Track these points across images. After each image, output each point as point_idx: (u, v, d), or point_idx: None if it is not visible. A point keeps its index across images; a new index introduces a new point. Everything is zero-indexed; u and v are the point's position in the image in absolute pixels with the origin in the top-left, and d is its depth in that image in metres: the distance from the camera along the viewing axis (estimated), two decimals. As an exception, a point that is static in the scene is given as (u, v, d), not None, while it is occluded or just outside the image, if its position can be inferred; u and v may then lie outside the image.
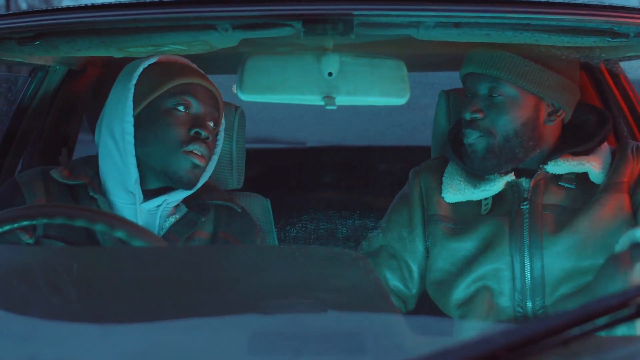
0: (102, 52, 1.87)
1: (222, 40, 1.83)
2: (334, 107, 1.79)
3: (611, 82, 2.60)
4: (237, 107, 2.32)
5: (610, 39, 1.81)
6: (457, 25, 1.69)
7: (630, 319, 1.00)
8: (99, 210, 1.95)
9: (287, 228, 3.25)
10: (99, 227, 1.45)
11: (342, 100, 1.82)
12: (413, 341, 1.07)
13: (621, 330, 1.67)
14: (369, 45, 1.91)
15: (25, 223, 1.45)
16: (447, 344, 0.90)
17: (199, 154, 2.02)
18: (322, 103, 1.79)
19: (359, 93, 1.88)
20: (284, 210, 2.48)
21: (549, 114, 2.08)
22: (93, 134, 3.14)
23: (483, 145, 2.06)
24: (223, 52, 2.02)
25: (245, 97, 1.84)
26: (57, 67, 2.50)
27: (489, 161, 2.07)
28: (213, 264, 1.28)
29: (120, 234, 1.43)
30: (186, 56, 2.04)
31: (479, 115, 2.05)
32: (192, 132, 2.00)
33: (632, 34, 1.80)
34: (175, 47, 1.84)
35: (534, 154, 2.09)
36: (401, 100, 1.89)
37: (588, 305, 0.97)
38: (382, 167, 3.80)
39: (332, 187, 3.77)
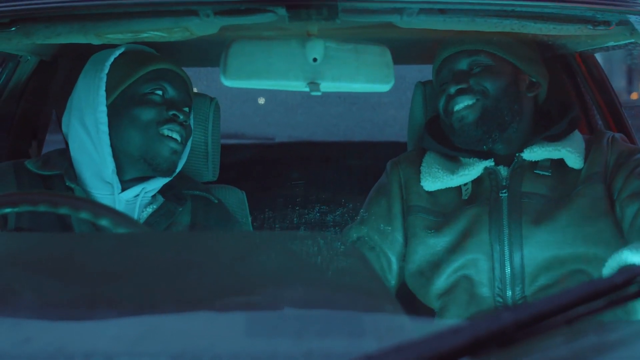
0: (80, 39, 1.83)
1: (202, 27, 1.81)
2: (319, 93, 1.78)
3: (587, 74, 2.61)
4: (212, 99, 2.30)
5: (592, 27, 1.82)
6: (442, 11, 1.69)
7: (633, 297, 0.99)
8: (82, 197, 1.93)
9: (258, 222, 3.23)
10: (83, 215, 1.42)
11: (326, 86, 1.81)
12: (413, 323, 1.06)
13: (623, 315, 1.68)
14: (353, 31, 1.90)
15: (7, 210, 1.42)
16: (456, 323, 0.88)
17: (176, 137, 2.02)
18: (307, 89, 1.77)
19: (343, 79, 1.87)
20: (255, 205, 2.47)
21: (527, 87, 2.11)
22: (60, 128, 3.09)
23: (477, 111, 2.06)
24: (204, 42, 2.00)
25: (228, 82, 1.82)
26: (29, 58, 2.45)
27: (480, 128, 2.06)
28: (206, 250, 1.26)
29: (104, 221, 1.41)
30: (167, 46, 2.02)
31: (464, 85, 2.06)
32: (170, 113, 2.00)
33: (613, 22, 1.81)
34: (155, 34, 1.82)
35: (515, 128, 2.09)
36: (386, 87, 1.89)
37: (593, 283, 0.96)
38: (351, 162, 3.81)
39: (301, 182, 3.77)
